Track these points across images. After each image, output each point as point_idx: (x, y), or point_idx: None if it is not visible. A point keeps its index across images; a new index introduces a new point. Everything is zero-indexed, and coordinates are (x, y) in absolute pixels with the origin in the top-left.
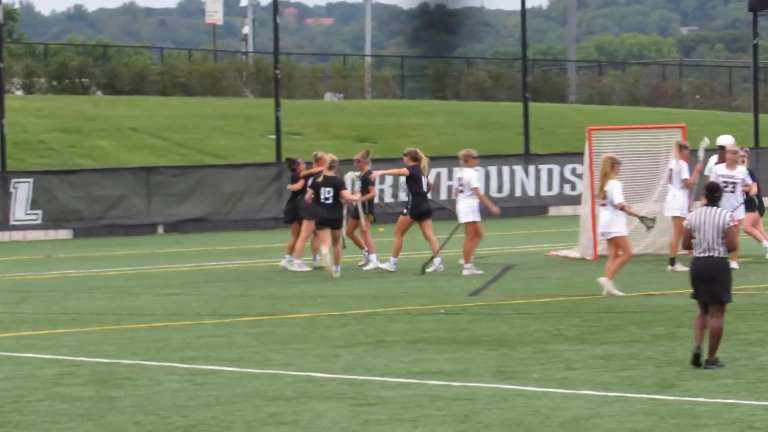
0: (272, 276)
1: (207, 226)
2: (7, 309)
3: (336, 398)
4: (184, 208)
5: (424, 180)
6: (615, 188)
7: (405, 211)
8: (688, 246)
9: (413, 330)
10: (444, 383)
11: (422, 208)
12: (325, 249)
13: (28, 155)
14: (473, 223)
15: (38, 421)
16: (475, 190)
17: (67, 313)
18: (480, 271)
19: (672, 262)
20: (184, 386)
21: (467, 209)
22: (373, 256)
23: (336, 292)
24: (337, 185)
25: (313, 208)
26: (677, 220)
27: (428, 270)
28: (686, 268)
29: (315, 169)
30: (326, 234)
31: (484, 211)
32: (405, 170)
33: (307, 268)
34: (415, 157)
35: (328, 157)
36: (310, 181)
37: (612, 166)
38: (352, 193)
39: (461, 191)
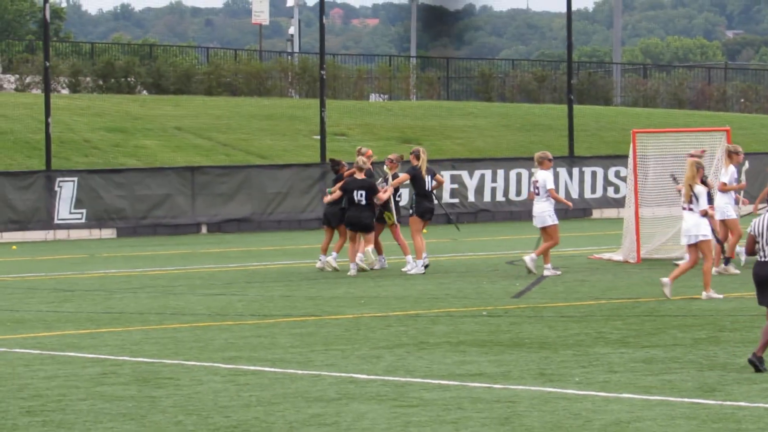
0: (316, 276)
1: (251, 226)
2: (51, 308)
3: (377, 399)
4: (228, 208)
5: (427, 179)
6: (702, 193)
7: (411, 211)
8: (752, 252)
9: (455, 332)
10: (485, 385)
11: (423, 207)
12: (369, 247)
13: (73, 154)
14: (553, 226)
15: (80, 420)
16: (551, 192)
17: (110, 313)
18: (558, 272)
19: (726, 261)
20: (226, 386)
21: (544, 213)
22: (409, 257)
23: (379, 293)
24: (370, 187)
25: (340, 211)
26: (730, 222)
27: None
28: (737, 271)
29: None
30: (356, 236)
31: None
32: (406, 176)
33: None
34: (419, 156)
35: (360, 159)
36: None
37: (697, 170)
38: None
39: (537, 194)
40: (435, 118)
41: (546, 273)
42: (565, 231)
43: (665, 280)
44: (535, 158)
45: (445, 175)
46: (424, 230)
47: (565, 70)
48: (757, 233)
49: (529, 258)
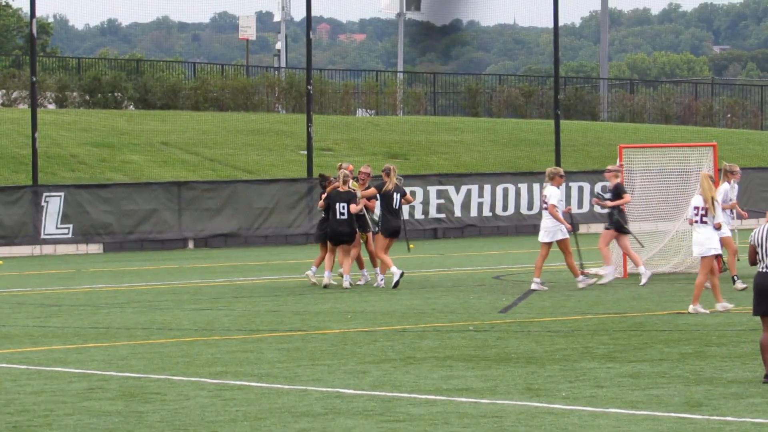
0: (303, 291)
1: (238, 241)
2: (37, 323)
3: (364, 414)
4: (214, 223)
5: (396, 197)
6: (718, 206)
7: (376, 229)
8: (753, 262)
9: (442, 347)
10: (472, 400)
11: (391, 226)
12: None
13: (59, 169)
14: (564, 240)
15: None
16: (550, 208)
17: (97, 328)
18: (545, 287)
19: (734, 280)
20: (212, 401)
21: (554, 228)
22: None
23: (365, 309)
24: (350, 200)
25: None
26: (725, 239)
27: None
28: (745, 285)
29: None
30: (341, 249)
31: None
32: (373, 190)
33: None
34: (389, 173)
35: (342, 172)
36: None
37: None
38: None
39: (546, 209)
40: (422, 133)
41: (533, 287)
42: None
43: (719, 305)
44: (546, 173)
45: (432, 191)
46: (411, 245)
47: (552, 86)
48: (756, 243)
49: (582, 284)
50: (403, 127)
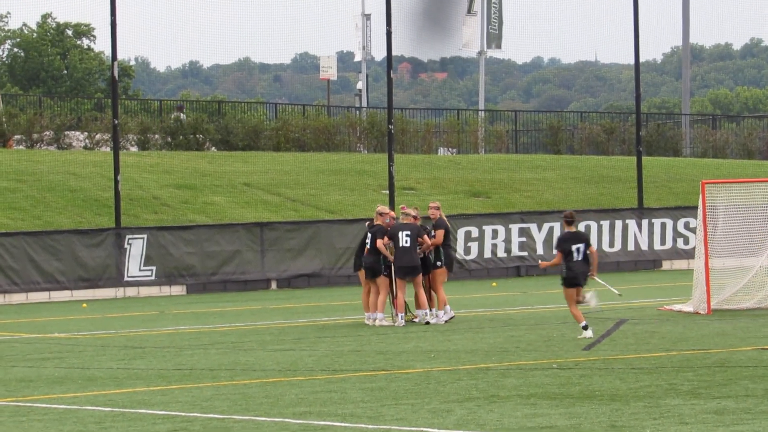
0: (385, 331)
1: (320, 281)
2: (121, 365)
3: None
4: (297, 264)
5: (401, 236)
6: None
7: (439, 263)
8: None
9: (526, 385)
10: None
11: (401, 264)
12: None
13: (142, 211)
14: None
15: None
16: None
17: (181, 369)
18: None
19: None
20: None
21: None
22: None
23: (449, 347)
24: (375, 233)
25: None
26: None
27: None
28: None
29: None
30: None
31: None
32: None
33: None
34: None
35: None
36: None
37: None
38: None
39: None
40: (503, 172)
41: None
42: (635, 282)
43: None
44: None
45: (514, 229)
46: (494, 283)
47: (633, 122)
48: None
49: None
50: (484, 166)
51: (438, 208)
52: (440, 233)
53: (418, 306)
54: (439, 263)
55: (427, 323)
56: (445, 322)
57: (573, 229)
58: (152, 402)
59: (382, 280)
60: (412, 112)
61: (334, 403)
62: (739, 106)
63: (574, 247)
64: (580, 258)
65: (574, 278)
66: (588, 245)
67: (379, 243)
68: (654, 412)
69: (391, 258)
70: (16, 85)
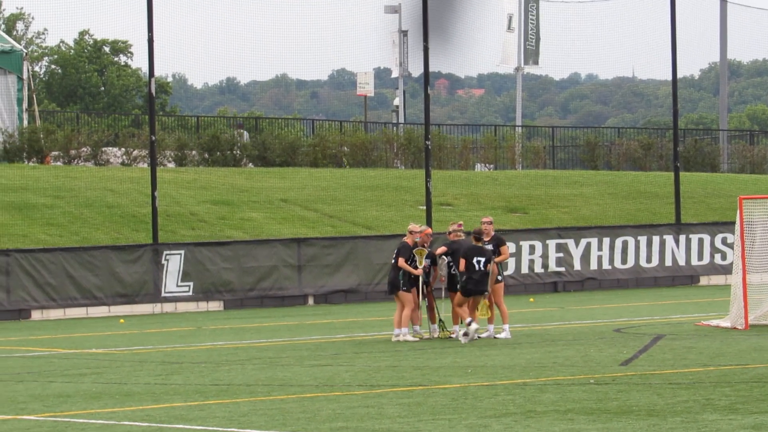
0: (422, 346)
1: (357, 297)
2: (158, 380)
3: None
4: (334, 280)
5: (475, 261)
6: None
7: (500, 278)
8: None
9: (563, 400)
10: None
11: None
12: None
13: (179, 227)
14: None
15: None
16: None
17: (218, 384)
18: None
19: None
20: None
21: None
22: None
23: (486, 363)
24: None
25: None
26: None
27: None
28: None
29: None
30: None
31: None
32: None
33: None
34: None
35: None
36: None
37: None
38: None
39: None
40: (541, 187)
41: None
42: (672, 298)
43: None
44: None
45: (551, 244)
46: (531, 299)
47: (671, 138)
48: None
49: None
50: (522, 181)
51: (491, 223)
52: (505, 249)
53: (456, 321)
54: (499, 277)
55: (494, 337)
56: (486, 337)
57: (480, 244)
58: (189, 417)
59: (403, 296)
60: (450, 128)
61: (371, 419)
62: None
63: (475, 260)
64: (481, 269)
65: (471, 290)
66: (489, 261)
67: (401, 262)
68: (691, 427)
69: (416, 272)
70: (54, 101)
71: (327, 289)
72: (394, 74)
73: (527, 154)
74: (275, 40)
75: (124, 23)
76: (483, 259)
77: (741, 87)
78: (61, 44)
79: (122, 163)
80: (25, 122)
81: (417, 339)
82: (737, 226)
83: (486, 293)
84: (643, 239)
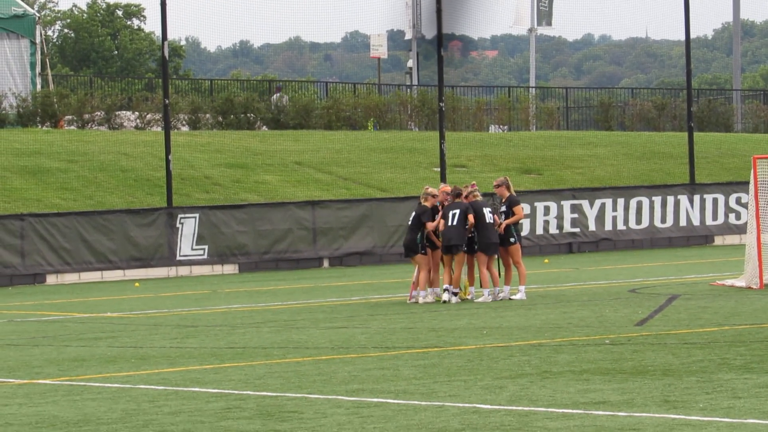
0: (437, 308)
1: (372, 259)
2: (174, 344)
3: (501, 429)
4: (349, 242)
5: (450, 214)
6: None
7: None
8: None
9: (578, 360)
10: (609, 413)
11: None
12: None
13: (194, 190)
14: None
15: None
16: None
17: (233, 348)
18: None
19: None
20: (350, 419)
21: None
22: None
23: (501, 324)
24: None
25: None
26: None
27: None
28: None
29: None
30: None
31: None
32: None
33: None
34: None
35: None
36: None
37: None
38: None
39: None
40: (555, 148)
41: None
42: (687, 258)
43: None
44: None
45: (566, 205)
46: (546, 260)
47: (685, 98)
48: None
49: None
50: (536, 143)
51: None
52: (519, 209)
53: (484, 284)
54: (512, 239)
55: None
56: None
57: (456, 201)
58: (205, 380)
59: (420, 258)
60: (463, 90)
61: (387, 380)
62: None
63: (450, 213)
64: (455, 223)
65: (446, 244)
66: (465, 213)
67: (431, 225)
68: (707, 386)
69: (439, 243)
70: (67, 65)
71: (342, 251)
72: (408, 36)
73: (541, 116)
74: (289, 3)
75: None
76: (457, 212)
77: (754, 47)
78: (73, 8)
79: (136, 127)
80: (39, 86)
81: (434, 301)
82: (751, 186)
83: (461, 248)
84: (657, 200)
